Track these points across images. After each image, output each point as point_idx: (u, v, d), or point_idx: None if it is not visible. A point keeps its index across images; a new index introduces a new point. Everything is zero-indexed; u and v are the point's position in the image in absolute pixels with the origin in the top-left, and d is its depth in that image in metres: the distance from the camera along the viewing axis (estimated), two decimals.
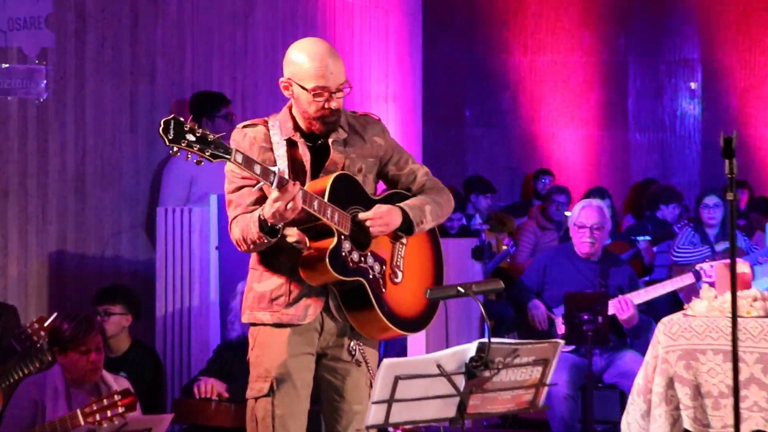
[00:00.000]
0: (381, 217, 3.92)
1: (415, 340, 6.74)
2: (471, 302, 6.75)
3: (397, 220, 3.97)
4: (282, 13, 8.45)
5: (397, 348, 7.04)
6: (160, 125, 3.56)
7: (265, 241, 3.81)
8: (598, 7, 12.47)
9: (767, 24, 12.48)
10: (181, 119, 3.59)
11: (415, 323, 4.07)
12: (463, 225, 9.28)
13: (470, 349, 3.51)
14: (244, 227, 3.86)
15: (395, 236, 4.03)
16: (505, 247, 9.08)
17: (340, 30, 9.15)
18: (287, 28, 8.38)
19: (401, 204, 4.02)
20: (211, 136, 3.62)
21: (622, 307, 6.49)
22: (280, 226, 3.79)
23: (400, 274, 4.04)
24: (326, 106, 3.87)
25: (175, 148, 3.59)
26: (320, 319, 3.98)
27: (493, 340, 3.51)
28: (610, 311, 6.44)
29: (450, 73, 12.07)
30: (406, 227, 4.01)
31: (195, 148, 3.60)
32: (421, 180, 4.15)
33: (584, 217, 6.77)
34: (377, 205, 3.97)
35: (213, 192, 6.78)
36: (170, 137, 3.58)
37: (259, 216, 3.78)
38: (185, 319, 6.71)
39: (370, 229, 3.92)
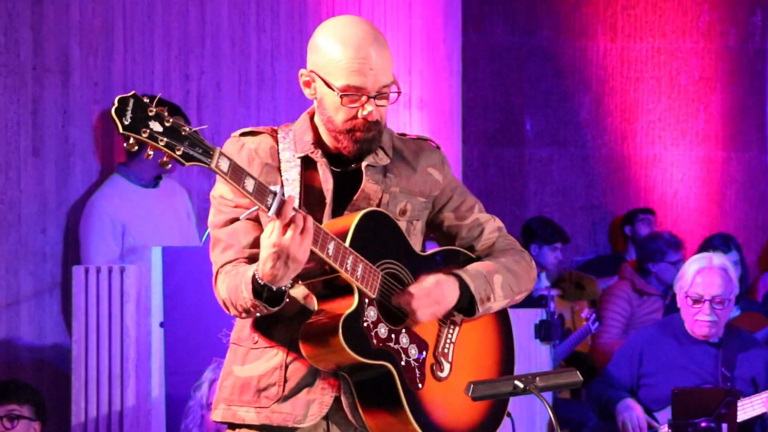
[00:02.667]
0: (428, 294, 3.94)
1: None
2: (534, 403, 6.79)
3: (451, 294, 3.99)
4: None
5: None
6: (114, 104, 3.50)
7: (262, 311, 3.83)
8: None
9: None
10: (145, 99, 3.55)
11: None
12: None
13: None
14: (233, 288, 3.87)
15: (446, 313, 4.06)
16: (584, 322, 9.11)
17: (340, 5, 9.22)
18: (264, 2, 8.45)
19: (459, 271, 4.04)
20: (185, 129, 3.59)
21: None
22: (286, 286, 3.80)
23: (447, 367, 4.06)
24: (360, 114, 3.91)
25: (132, 140, 3.53)
26: (325, 426, 4.00)
27: None
28: (748, 412, 6.46)
29: (503, 67, 12.14)
30: (466, 306, 4.04)
31: (161, 143, 3.55)
32: (490, 237, 4.19)
33: (701, 287, 6.79)
34: (423, 278, 3.97)
35: (155, 243, 6.84)
36: (126, 123, 3.51)
37: (254, 275, 3.79)
38: (115, 427, 6.74)
39: (417, 314, 3.92)
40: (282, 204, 3.68)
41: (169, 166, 3.63)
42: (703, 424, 6.31)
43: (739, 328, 7.21)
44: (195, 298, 6.55)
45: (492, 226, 4.20)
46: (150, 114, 3.55)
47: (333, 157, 4.00)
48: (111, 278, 6.79)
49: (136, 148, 3.56)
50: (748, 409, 6.60)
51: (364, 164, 3.99)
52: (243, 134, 4.05)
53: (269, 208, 3.68)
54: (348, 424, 4.00)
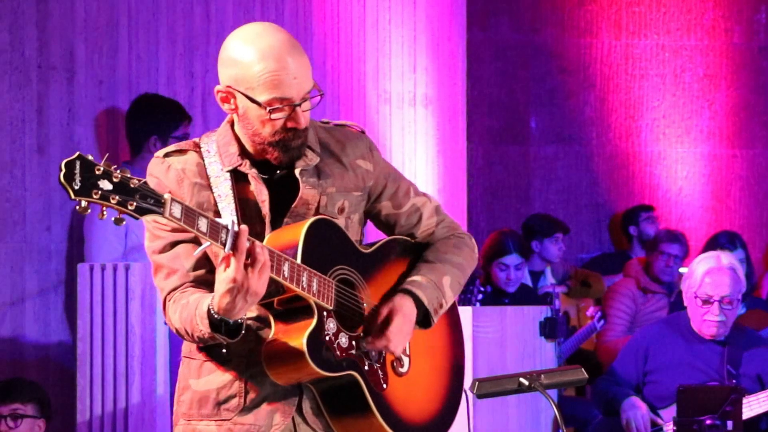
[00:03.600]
0: (399, 331, 3.94)
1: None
2: (539, 400, 6.79)
3: (413, 315, 4.00)
4: None
5: None
6: (61, 170, 3.46)
7: (222, 342, 3.79)
8: None
9: None
10: (90, 158, 3.49)
11: (431, 430, 4.09)
12: (525, 286, 9.30)
13: None
14: (186, 319, 3.82)
15: None
16: (589, 320, 9.11)
17: (345, 3, 9.22)
18: (270, 1, 8.44)
19: (411, 287, 4.02)
20: (134, 181, 3.52)
21: None
22: (243, 318, 3.76)
23: (406, 362, 4.07)
24: (289, 125, 3.86)
25: (84, 203, 3.49)
26: (291, 429, 3.98)
27: None
28: (755, 409, 6.47)
29: (507, 65, 12.13)
30: (421, 319, 4.04)
31: (113, 201, 3.50)
32: (429, 222, 4.19)
33: (711, 287, 6.79)
34: (382, 311, 3.94)
35: None
36: (76, 187, 3.47)
37: (209, 308, 3.73)
38: (120, 425, 6.74)
39: (395, 352, 3.94)
40: (236, 237, 3.64)
41: (124, 222, 3.55)
42: (708, 422, 6.31)
43: (745, 327, 7.21)
44: None
45: (429, 210, 4.18)
46: (98, 173, 3.49)
47: (261, 164, 3.94)
48: (116, 276, 6.79)
49: (89, 211, 3.53)
50: (754, 406, 6.60)
51: (297, 170, 3.93)
52: (167, 155, 3.96)
53: (224, 245, 3.64)
54: (314, 430, 3.99)
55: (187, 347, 4.02)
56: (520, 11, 12.19)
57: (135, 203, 3.51)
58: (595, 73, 12.35)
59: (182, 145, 4.01)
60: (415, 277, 4.06)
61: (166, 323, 6.59)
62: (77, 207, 3.50)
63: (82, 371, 6.82)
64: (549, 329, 7.76)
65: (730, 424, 6.32)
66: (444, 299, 4.06)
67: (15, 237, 7.16)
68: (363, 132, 4.16)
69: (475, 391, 3.85)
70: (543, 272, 9.98)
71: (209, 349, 3.94)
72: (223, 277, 3.66)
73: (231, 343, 3.83)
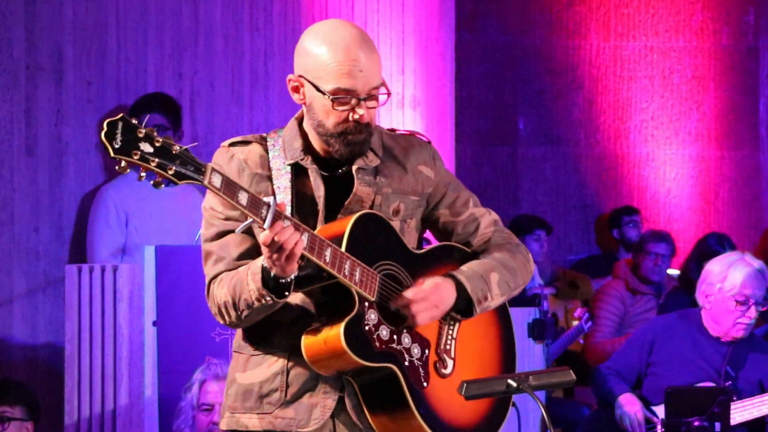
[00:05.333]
0: (426, 298, 3.95)
1: None
2: (528, 401, 6.78)
3: (449, 298, 4.01)
4: None
5: None
6: (103, 128, 3.52)
7: (269, 301, 3.82)
8: None
9: None
10: (134, 121, 3.56)
11: None
12: None
13: None
14: (236, 283, 3.87)
15: None
16: (577, 321, 9.11)
17: (334, 5, 9.22)
18: (257, 3, 8.44)
19: (455, 273, 4.05)
20: (176, 147, 3.60)
21: None
22: (289, 280, 3.81)
23: (450, 363, 4.07)
24: (351, 117, 3.91)
25: (123, 163, 3.55)
26: (331, 427, 4.00)
27: None
28: (753, 412, 6.48)
29: (496, 67, 12.15)
30: (464, 306, 4.05)
31: (152, 164, 3.57)
32: (486, 231, 4.20)
33: (752, 288, 6.79)
34: (420, 281, 3.98)
35: (157, 239, 6.83)
36: (117, 146, 3.53)
37: (263, 264, 3.79)
38: (108, 426, 6.73)
39: (416, 318, 3.93)
40: (276, 214, 3.70)
41: (162, 186, 3.62)
42: (696, 423, 6.32)
43: (753, 331, 7.20)
44: (188, 297, 6.54)
45: (487, 221, 4.21)
46: (140, 135, 3.56)
47: (323, 162, 4.01)
48: (104, 277, 6.79)
49: (129, 170, 3.58)
50: (750, 408, 6.61)
51: (354, 167, 3.99)
52: (233, 144, 4.04)
53: (264, 220, 3.70)
54: (354, 425, 4.01)
55: (237, 342, 4.07)
56: (508, 13, 12.20)
57: (174, 168, 3.60)
58: (583, 74, 12.36)
59: (249, 137, 4.08)
60: (462, 268, 4.09)
61: (154, 323, 6.64)
62: (117, 167, 3.57)
63: (69, 372, 6.82)
64: (537, 331, 7.77)
65: (717, 425, 6.32)
66: (490, 293, 4.07)
67: (3, 238, 7.16)
68: (429, 142, 4.20)
69: (463, 393, 3.84)
70: None
71: (256, 342, 3.99)
72: (263, 247, 3.74)
73: (270, 323, 3.91)
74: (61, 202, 7.40)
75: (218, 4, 8.25)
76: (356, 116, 3.90)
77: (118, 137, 3.54)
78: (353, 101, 3.90)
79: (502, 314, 4.23)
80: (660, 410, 6.71)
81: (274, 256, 3.71)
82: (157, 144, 3.58)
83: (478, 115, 11.90)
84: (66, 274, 6.91)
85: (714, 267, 6.97)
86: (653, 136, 12.40)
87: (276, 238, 3.69)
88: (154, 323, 6.74)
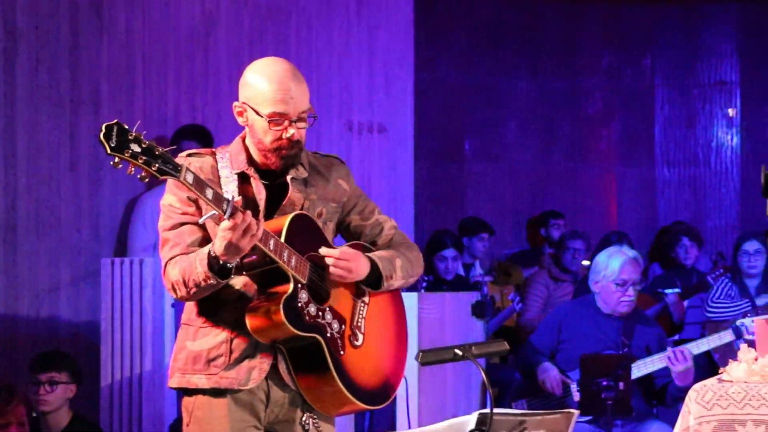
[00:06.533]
0: (347, 260, 3.97)
1: (405, 411, 6.74)
2: (471, 367, 6.78)
3: (364, 268, 4.02)
4: (248, 31, 8.51)
5: (385, 420, 7.05)
6: (101, 130, 3.53)
7: (213, 282, 3.81)
8: (620, 22, 12.55)
9: None
10: (126, 125, 3.57)
11: (377, 395, 4.10)
12: (460, 276, 9.30)
13: (469, 421, 3.52)
14: (186, 266, 3.84)
15: (357, 293, 4.08)
16: (510, 303, 9.12)
17: (316, 51, 9.21)
18: (255, 49, 8.44)
19: (370, 254, 4.08)
20: (159, 149, 3.61)
21: (677, 357, 6.52)
22: (232, 264, 3.80)
23: (360, 337, 4.07)
24: (284, 136, 3.91)
25: (117, 159, 3.55)
26: (266, 388, 3.99)
27: (496, 410, 3.53)
28: (644, 369, 6.49)
29: (447, 99, 12.14)
30: (374, 281, 4.07)
31: (140, 161, 3.57)
32: (388, 233, 4.22)
33: (627, 273, 6.82)
34: (344, 246, 4.02)
35: None
36: (112, 145, 3.53)
37: (209, 251, 3.78)
38: (135, 389, 6.71)
39: (330, 269, 3.95)
40: (234, 208, 3.71)
41: (147, 179, 3.63)
42: (604, 383, 6.33)
43: (637, 307, 7.22)
44: None
45: (389, 225, 4.24)
46: (131, 138, 3.58)
47: (262, 173, 4.01)
48: (132, 268, 6.78)
49: (121, 166, 3.59)
50: (642, 367, 6.64)
51: (289, 177, 4.00)
52: (190, 155, 4.03)
53: (225, 212, 3.71)
54: (285, 388, 4.00)
55: (186, 315, 4.04)
56: (457, 56, 12.20)
57: (158, 165, 3.60)
58: (516, 106, 12.37)
59: (202, 150, 4.08)
60: (374, 252, 4.12)
61: (173, 305, 6.61)
62: (111, 162, 3.57)
63: (105, 345, 6.80)
64: (479, 311, 7.75)
65: (621, 384, 6.34)
66: (395, 273, 4.09)
67: (51, 237, 7.13)
68: (343, 162, 4.23)
69: (419, 360, 3.83)
70: (473, 264, 9.99)
71: (205, 316, 3.97)
72: (222, 232, 3.73)
73: (216, 299, 3.90)
74: (99, 208, 7.37)
75: (223, 50, 8.24)
76: (288, 135, 3.92)
77: (114, 138, 3.55)
78: (286, 123, 3.91)
79: (397, 302, 4.24)
80: (573, 374, 6.72)
81: (235, 237, 3.70)
82: (145, 145, 3.59)
83: (432, 138, 11.89)
84: (102, 266, 6.89)
85: (599, 258, 7.03)
86: (571, 155, 12.42)
87: (240, 225, 3.70)
88: (173, 305, 6.72)
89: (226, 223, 3.71)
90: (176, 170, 3.64)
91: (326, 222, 4.09)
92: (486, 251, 10.24)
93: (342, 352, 3.99)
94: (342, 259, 3.96)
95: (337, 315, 4.01)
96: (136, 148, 3.57)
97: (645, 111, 12.61)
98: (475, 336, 7.60)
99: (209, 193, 3.70)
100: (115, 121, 3.57)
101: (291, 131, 3.91)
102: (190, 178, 3.67)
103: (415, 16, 10.67)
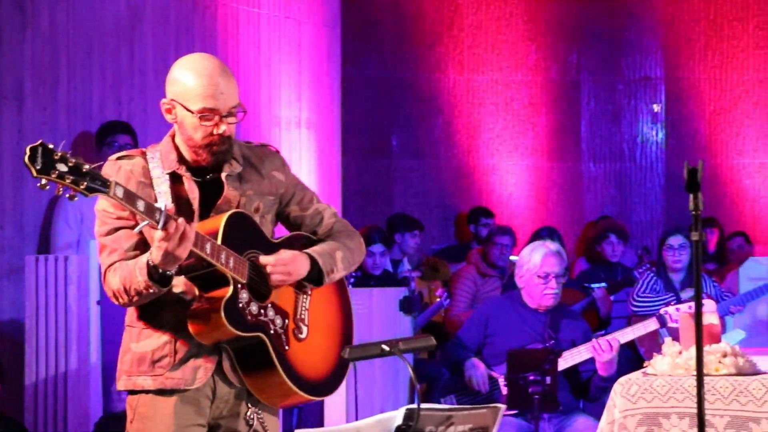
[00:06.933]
0: (285, 264, 3.96)
1: (334, 407, 6.75)
2: (399, 363, 6.79)
3: (303, 268, 4.01)
4: (175, 26, 8.47)
5: (314, 416, 7.04)
6: (26, 153, 3.49)
7: (154, 291, 3.80)
8: (546, 18, 12.61)
9: (740, 36, 12.69)
10: (51, 146, 3.53)
11: (323, 386, 4.12)
12: (387, 271, 9.32)
13: (396, 417, 3.53)
14: (126, 275, 3.83)
15: (299, 286, 4.08)
16: (438, 298, 9.14)
17: (244, 45, 9.18)
18: (181, 43, 8.40)
19: (309, 250, 4.07)
20: (86, 167, 3.57)
21: (602, 347, 6.56)
22: (172, 272, 3.79)
23: (305, 330, 4.08)
24: (215, 132, 3.89)
25: (44, 180, 3.51)
26: (212, 384, 3.99)
27: (423, 406, 3.54)
28: (570, 361, 6.54)
29: (374, 95, 12.14)
30: (315, 277, 4.06)
31: (67, 180, 3.54)
32: (329, 222, 4.21)
33: (549, 266, 6.86)
34: (281, 250, 3.99)
35: None
36: (38, 167, 3.50)
37: (148, 261, 3.77)
38: (60, 387, 6.66)
39: (271, 276, 3.95)
40: (167, 218, 3.69)
41: (76, 198, 3.59)
42: (531, 377, 6.36)
43: (562, 302, 7.27)
44: None
45: (329, 213, 4.23)
46: (56, 158, 3.54)
47: (195, 170, 3.98)
48: (57, 266, 6.72)
49: (48, 187, 3.55)
50: (568, 359, 6.69)
51: (223, 175, 3.97)
52: (119, 158, 4.00)
53: (158, 222, 3.69)
54: (230, 384, 4.00)
55: (129, 318, 4.02)
56: (384, 52, 12.22)
57: (86, 183, 3.57)
58: (443, 102, 12.40)
59: (132, 152, 4.03)
60: (314, 247, 4.10)
61: (98, 302, 6.57)
62: (38, 184, 3.53)
63: (29, 343, 6.73)
64: (407, 306, 7.77)
65: (548, 378, 6.38)
66: (335, 267, 4.09)
67: None
68: (278, 151, 4.21)
69: (346, 356, 3.83)
70: (401, 260, 10.01)
71: (146, 318, 3.95)
72: (158, 243, 3.71)
73: (158, 301, 3.87)
74: (23, 205, 7.30)
75: (150, 45, 8.20)
76: (219, 130, 3.89)
77: (39, 160, 3.51)
78: (216, 118, 3.88)
79: (341, 291, 4.25)
80: (499, 369, 6.76)
81: (171, 246, 3.69)
82: (71, 164, 3.55)
83: (360, 134, 11.89)
84: (26, 263, 6.83)
85: (523, 253, 7.08)
86: (498, 151, 12.48)
87: (174, 234, 3.68)
88: (98, 302, 6.67)
89: (160, 234, 3.70)
90: (105, 186, 3.61)
91: (264, 215, 4.08)
92: (416, 247, 10.27)
93: (287, 347, 3.99)
94: (279, 264, 3.95)
95: (279, 310, 4.00)
96: (62, 167, 3.53)
97: (571, 106, 12.68)
98: (402, 331, 7.62)
99: (140, 205, 3.68)
100: (39, 142, 3.52)
101: (222, 127, 3.89)
102: (119, 192, 3.64)
103: (342, 11, 10.67)
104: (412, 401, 7.38)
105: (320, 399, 4.23)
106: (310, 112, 9.96)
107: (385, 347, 3.77)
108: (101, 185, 3.60)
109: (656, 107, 12.81)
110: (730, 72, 12.69)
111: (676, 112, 12.77)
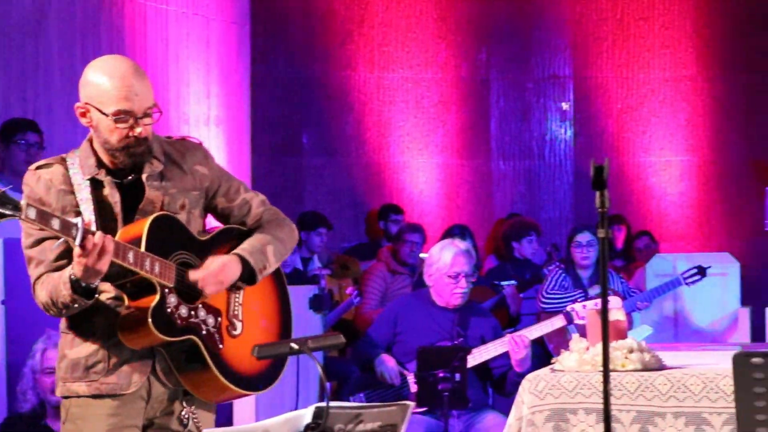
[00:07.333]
0: (215, 275, 3.95)
1: (243, 406, 6.73)
2: (309, 361, 6.79)
3: (234, 272, 4.00)
4: (81, 22, 8.38)
5: (223, 415, 7.01)
6: None
7: (80, 303, 3.79)
8: (456, 16, 12.67)
9: (647, 35, 12.84)
10: None
11: (260, 380, 4.12)
12: (298, 270, 9.31)
13: (306, 415, 3.53)
14: (52, 289, 3.82)
15: (231, 285, 4.07)
16: (348, 296, 9.15)
17: (151, 41, 9.12)
18: (88, 40, 8.32)
19: (239, 251, 4.04)
20: None
21: (517, 343, 6.61)
22: (96, 284, 3.77)
23: (239, 325, 4.08)
24: (131, 134, 3.87)
25: None
26: (147, 385, 3.98)
27: (332, 404, 3.54)
28: (479, 358, 6.58)
29: (284, 92, 12.12)
30: (247, 276, 4.05)
31: None
32: (257, 211, 4.18)
33: (459, 265, 6.89)
34: (209, 260, 3.97)
35: (5, 233, 6.67)
36: None
37: (70, 275, 3.75)
38: None
39: (204, 290, 3.94)
40: (84, 232, 3.67)
41: None
42: (440, 374, 6.39)
43: (471, 299, 7.32)
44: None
45: (257, 202, 4.20)
46: None
47: (115, 173, 3.96)
48: None
49: None
50: (477, 356, 6.73)
51: (144, 175, 3.95)
52: (38, 167, 3.97)
53: (75, 239, 3.67)
54: (165, 385, 4.00)
55: (63, 324, 4.01)
56: (294, 49, 12.19)
57: None
58: (353, 99, 12.41)
59: (51, 160, 4.00)
60: (243, 245, 4.08)
61: (2, 302, 6.47)
62: None
63: None
64: (317, 304, 7.77)
65: (457, 375, 6.41)
66: (267, 262, 4.08)
67: None
68: (200, 143, 4.18)
69: (256, 354, 3.83)
70: (311, 258, 10.01)
71: (78, 324, 3.95)
72: (77, 258, 3.70)
73: (89, 307, 3.85)
74: None
75: (55, 42, 8.11)
76: (135, 132, 3.87)
77: None
78: (131, 120, 3.86)
79: (277, 279, 4.25)
80: (410, 366, 6.78)
81: (90, 262, 3.67)
82: None
83: (270, 131, 11.87)
84: None
85: (432, 252, 7.10)
86: (408, 148, 12.51)
87: (93, 249, 3.67)
88: (3, 302, 6.58)
89: (77, 250, 3.68)
90: (16, 209, 3.58)
91: (191, 211, 4.05)
92: (323, 246, 10.27)
93: (221, 346, 3.99)
94: (210, 277, 3.94)
95: (211, 309, 4.00)
96: None
97: (481, 104, 12.75)
98: (313, 329, 7.62)
99: (55, 223, 3.66)
100: None
101: (138, 129, 3.86)
102: (32, 214, 3.62)
103: (252, 8, 10.64)
104: (321, 399, 7.39)
105: (258, 393, 4.22)
106: (220, 109, 9.92)
107: (294, 346, 3.76)
108: (12, 209, 3.57)
109: (565, 105, 12.91)
110: (637, 71, 12.84)
111: (585, 110, 12.89)
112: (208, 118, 9.74)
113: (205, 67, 9.76)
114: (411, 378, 6.73)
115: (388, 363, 6.81)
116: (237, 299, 4.09)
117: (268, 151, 11.81)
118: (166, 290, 3.87)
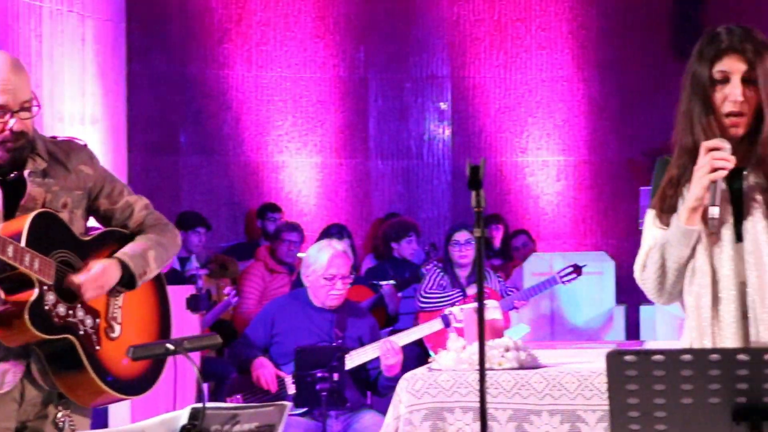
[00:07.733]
0: (95, 280, 3.92)
1: (119, 408, 6.67)
2: (186, 361, 6.74)
3: (114, 276, 3.98)
4: None
5: (98, 417, 6.92)
6: None
7: None
8: (334, 15, 12.68)
9: (523, 37, 12.99)
10: None
11: (138, 384, 4.11)
12: (175, 270, 9.25)
13: (182, 416, 3.51)
14: None
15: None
16: (226, 296, 9.12)
17: (24, 37, 8.98)
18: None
19: (120, 255, 4.02)
20: None
21: (389, 350, 6.63)
22: None
23: (117, 328, 4.05)
24: (7, 128, 3.81)
25: None
26: (20, 387, 3.92)
27: (208, 405, 3.53)
28: (358, 359, 6.60)
29: (160, 91, 12.03)
30: (127, 281, 4.02)
31: None
32: (140, 215, 4.17)
33: (336, 267, 6.88)
34: (90, 264, 3.94)
35: None
36: None
37: None
38: None
39: (84, 295, 3.90)
40: None
41: None
42: (319, 375, 6.40)
43: (349, 299, 7.33)
44: None
45: (140, 205, 4.20)
46: None
47: None
48: None
49: None
50: (355, 357, 6.74)
51: (26, 172, 3.90)
52: None
53: None
54: (39, 387, 3.95)
55: None
56: (171, 48, 12.11)
57: None
58: (231, 98, 12.37)
59: None
60: (124, 249, 4.05)
61: None
62: None
63: None
64: (194, 304, 7.72)
65: (336, 375, 6.42)
66: (148, 267, 4.06)
67: None
68: (85, 145, 4.14)
69: (130, 355, 3.80)
70: (189, 258, 9.95)
71: None
72: None
73: None
74: None
75: None
76: (10, 125, 3.82)
77: None
78: (7, 115, 3.81)
79: (158, 284, 4.24)
80: (286, 368, 6.77)
81: None
82: None
83: (147, 130, 11.76)
84: None
85: (309, 252, 7.10)
86: (287, 148, 12.50)
87: None
88: None
89: None
90: None
91: (73, 210, 4.02)
92: (201, 246, 10.22)
93: (98, 348, 3.96)
94: (90, 282, 3.91)
95: (90, 310, 3.96)
96: None
97: (359, 104, 12.78)
98: (191, 330, 7.58)
99: None
100: None
101: (12, 122, 3.80)
102: None
103: (128, 5, 10.53)
104: (199, 400, 7.34)
105: (135, 397, 4.18)
106: (95, 107, 9.81)
107: (170, 346, 3.74)
108: None
109: (443, 105, 13.01)
110: (514, 71, 12.98)
111: (463, 110, 12.99)
112: (83, 116, 9.62)
113: (80, 65, 9.64)
114: (289, 380, 6.72)
115: (265, 367, 6.79)
116: (116, 302, 4.07)
117: (145, 149, 11.71)
118: (45, 287, 3.82)
